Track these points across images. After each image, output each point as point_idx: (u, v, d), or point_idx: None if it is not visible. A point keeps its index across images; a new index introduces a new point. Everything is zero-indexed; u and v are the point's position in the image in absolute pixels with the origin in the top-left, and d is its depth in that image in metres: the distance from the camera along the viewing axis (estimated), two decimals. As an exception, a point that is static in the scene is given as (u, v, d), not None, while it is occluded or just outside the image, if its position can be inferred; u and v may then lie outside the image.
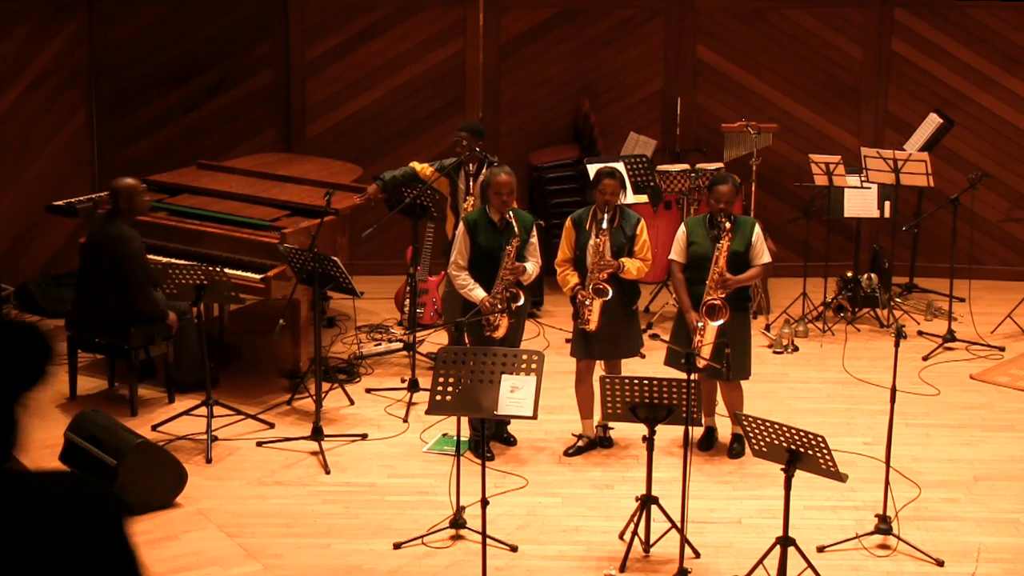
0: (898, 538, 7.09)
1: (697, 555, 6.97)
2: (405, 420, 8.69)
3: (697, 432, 8.14)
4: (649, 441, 6.88)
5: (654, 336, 9.97)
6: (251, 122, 11.61)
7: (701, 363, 7.59)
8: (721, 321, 7.80)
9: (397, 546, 7.11)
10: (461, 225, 8.18)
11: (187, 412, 8.47)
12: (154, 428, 8.40)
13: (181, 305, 8.60)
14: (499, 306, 8.00)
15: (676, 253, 8.07)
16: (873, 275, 10.53)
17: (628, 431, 8.19)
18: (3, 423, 2.86)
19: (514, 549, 7.08)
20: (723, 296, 7.84)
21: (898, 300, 10.77)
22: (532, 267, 8.18)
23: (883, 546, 7.10)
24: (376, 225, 9.22)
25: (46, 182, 11.03)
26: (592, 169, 8.83)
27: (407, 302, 9.77)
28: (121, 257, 8.42)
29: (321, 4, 11.45)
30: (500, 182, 7.99)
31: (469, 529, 7.16)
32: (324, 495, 7.71)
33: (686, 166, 10.61)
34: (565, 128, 11.69)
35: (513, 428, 8.36)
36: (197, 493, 7.63)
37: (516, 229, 8.01)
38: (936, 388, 9.21)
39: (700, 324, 7.84)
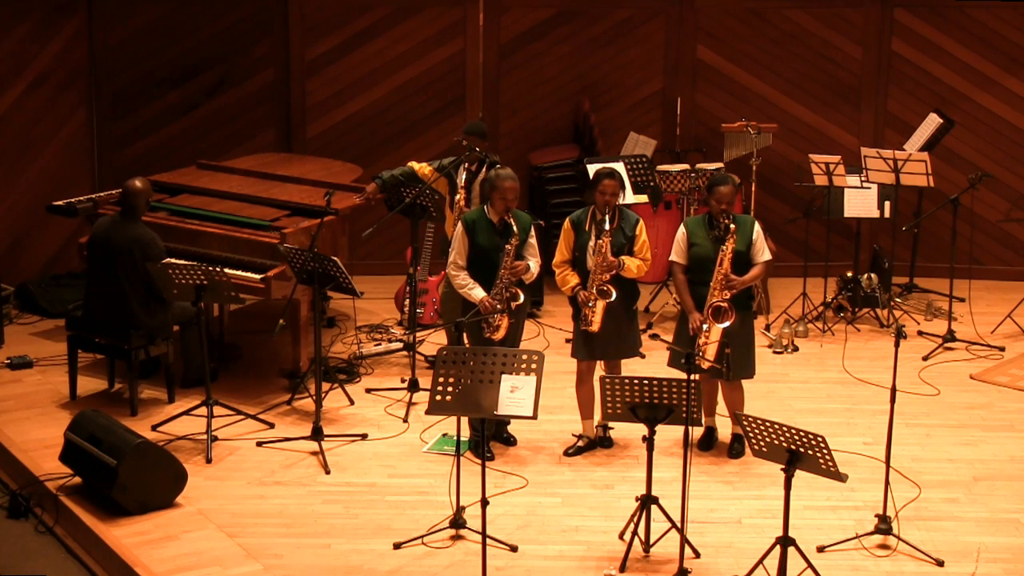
0: (898, 538, 7.09)
1: (697, 555, 6.97)
2: (405, 420, 8.69)
3: (697, 432, 8.15)
4: (649, 441, 6.89)
5: (654, 336, 9.97)
6: (251, 122, 11.62)
7: (705, 364, 7.60)
8: (727, 323, 7.79)
9: (397, 546, 7.12)
10: (460, 225, 8.18)
11: (187, 412, 8.47)
12: (154, 428, 8.40)
13: (187, 306, 8.58)
14: (499, 306, 8.01)
15: (677, 255, 8.07)
16: (873, 275, 10.54)
17: (628, 431, 8.19)
18: None
19: (514, 549, 7.09)
20: (728, 298, 7.83)
21: (898, 300, 10.77)
22: (534, 265, 8.19)
23: (883, 546, 7.11)
24: (376, 225, 9.22)
25: (46, 182, 11.03)
26: (592, 169, 8.83)
27: (407, 302, 9.77)
28: (151, 258, 8.45)
29: (321, 4, 11.45)
30: (508, 187, 8.00)
31: (469, 529, 7.17)
32: (324, 495, 7.71)
33: (686, 166, 10.61)
34: (565, 128, 11.70)
35: (513, 428, 8.37)
36: (197, 493, 7.64)
37: (515, 229, 8.01)
38: (936, 388, 9.22)
39: (705, 326, 7.83)
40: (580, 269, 8.08)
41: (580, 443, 8.27)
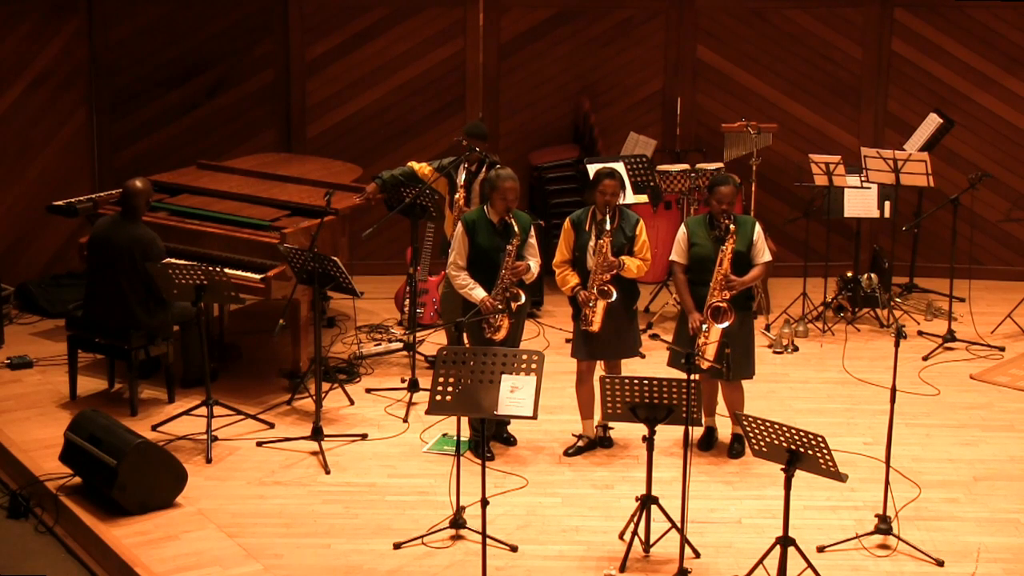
0: (898, 538, 7.09)
1: (697, 555, 6.97)
2: (405, 420, 8.69)
3: (697, 432, 8.15)
4: (649, 441, 6.89)
5: (654, 336, 9.97)
6: (251, 122, 11.61)
7: (704, 364, 7.60)
8: (726, 324, 7.79)
9: (397, 546, 7.12)
10: (460, 225, 8.18)
11: (187, 412, 8.47)
12: (154, 428, 8.40)
13: (187, 306, 8.58)
14: (500, 306, 8.00)
15: (677, 254, 8.07)
16: (873, 275, 10.54)
17: (628, 431, 8.19)
18: None
19: (514, 549, 7.09)
20: (728, 298, 7.83)
21: (898, 300, 10.77)
22: (535, 266, 8.19)
23: (883, 546, 7.11)
24: (376, 225, 9.22)
25: (46, 182, 11.03)
26: (592, 169, 8.83)
27: (407, 302, 9.78)
28: (151, 258, 8.46)
29: (321, 4, 11.45)
30: (509, 188, 7.99)
31: (469, 529, 7.17)
32: (324, 495, 7.71)
33: (686, 166, 10.61)
34: (565, 128, 11.70)
35: (513, 428, 8.37)
36: (197, 493, 7.64)
37: (516, 229, 8.01)
38: (936, 388, 9.22)
39: (704, 326, 7.83)
40: (580, 269, 8.08)
41: (580, 443, 8.27)
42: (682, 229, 8.10)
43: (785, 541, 6.57)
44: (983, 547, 7.11)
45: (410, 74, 11.54)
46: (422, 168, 9.35)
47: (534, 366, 6.59)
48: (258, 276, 8.88)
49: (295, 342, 9.10)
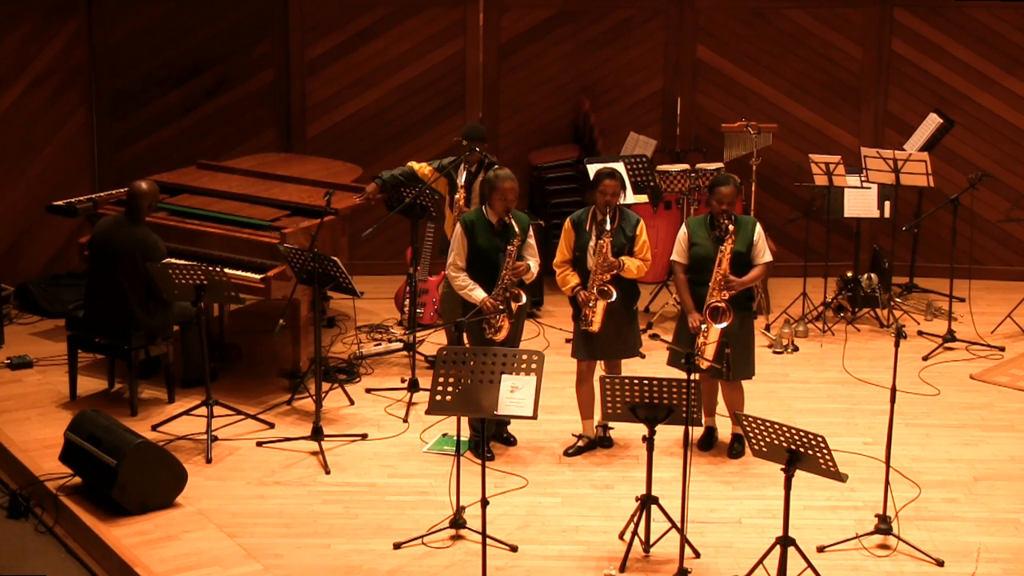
0: (898, 538, 7.10)
1: (697, 555, 6.98)
2: (405, 420, 8.69)
3: (697, 432, 8.15)
4: (649, 441, 6.89)
5: (654, 336, 9.97)
6: (251, 122, 11.61)
7: (704, 364, 7.60)
8: (725, 324, 7.80)
9: (397, 546, 7.12)
10: (459, 226, 8.18)
11: (187, 412, 8.48)
12: (154, 428, 8.41)
13: (187, 306, 8.58)
14: (500, 307, 8.00)
15: (678, 254, 8.07)
16: (873, 275, 10.54)
17: (628, 431, 8.19)
18: None
19: (514, 549, 7.09)
20: (727, 298, 7.83)
21: (898, 300, 10.77)
22: (534, 265, 8.19)
23: (883, 546, 7.11)
24: (376, 225, 9.22)
25: (46, 182, 11.03)
26: (592, 169, 8.83)
27: (407, 302, 9.78)
28: (152, 260, 8.45)
29: (321, 4, 11.45)
30: (508, 188, 7.99)
31: (469, 529, 7.17)
32: (324, 495, 7.71)
33: (686, 166, 10.61)
34: (565, 128, 11.70)
35: (513, 428, 8.37)
36: (197, 493, 7.64)
37: (516, 229, 8.00)
38: (936, 388, 9.22)
39: (704, 326, 7.84)
40: (580, 269, 8.08)
41: (580, 443, 8.27)
42: (683, 229, 8.11)
43: (785, 541, 6.57)
44: (983, 547, 7.11)
45: (410, 74, 11.54)
46: (422, 168, 9.36)
47: (534, 366, 6.60)
48: (258, 276, 8.88)
49: (295, 342, 9.10)
